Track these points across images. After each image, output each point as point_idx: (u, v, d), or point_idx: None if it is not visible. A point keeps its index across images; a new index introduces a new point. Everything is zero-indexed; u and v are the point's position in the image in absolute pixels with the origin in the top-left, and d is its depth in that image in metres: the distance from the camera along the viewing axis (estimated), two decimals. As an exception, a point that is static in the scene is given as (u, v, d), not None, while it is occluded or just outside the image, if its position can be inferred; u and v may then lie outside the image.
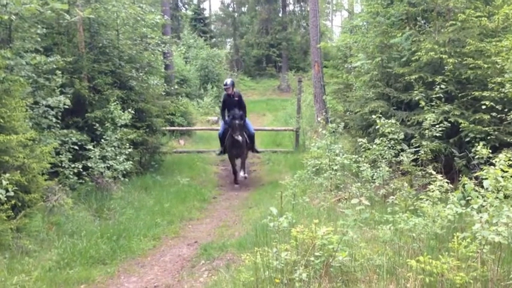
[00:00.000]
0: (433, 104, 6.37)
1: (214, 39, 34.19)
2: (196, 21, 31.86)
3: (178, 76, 19.20)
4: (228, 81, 10.37)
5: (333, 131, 7.79)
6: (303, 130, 13.37)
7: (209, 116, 19.19)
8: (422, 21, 7.49)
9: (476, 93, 6.14)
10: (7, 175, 4.54)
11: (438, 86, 6.33)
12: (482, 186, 3.44)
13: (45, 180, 5.67)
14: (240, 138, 9.47)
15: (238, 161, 10.32)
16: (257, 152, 11.23)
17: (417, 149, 6.13)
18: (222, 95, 11.14)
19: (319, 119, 11.73)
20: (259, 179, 10.53)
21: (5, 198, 4.46)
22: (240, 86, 25.52)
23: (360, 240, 3.80)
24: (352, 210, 3.99)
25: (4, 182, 4.43)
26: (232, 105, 9.95)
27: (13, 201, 4.69)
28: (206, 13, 36.07)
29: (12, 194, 4.51)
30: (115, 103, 8.05)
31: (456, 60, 6.47)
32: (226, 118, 9.91)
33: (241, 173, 10.19)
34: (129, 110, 8.25)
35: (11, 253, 4.71)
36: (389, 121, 6.34)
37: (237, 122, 9.57)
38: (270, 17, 31.34)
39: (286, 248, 3.54)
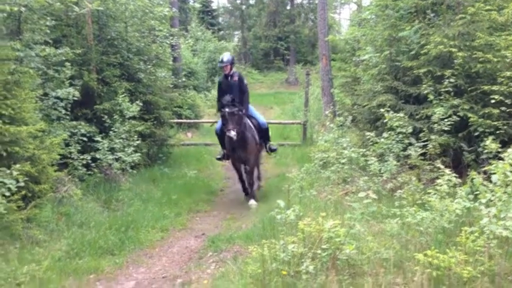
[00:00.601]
0: (441, 98, 6.32)
1: (222, 31, 34.23)
2: (204, 14, 31.87)
3: (186, 69, 19.24)
4: (225, 56, 7.51)
5: (341, 125, 7.78)
6: (311, 123, 13.35)
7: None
8: (432, 15, 7.43)
9: (486, 87, 6.09)
10: (17, 166, 4.60)
11: (447, 80, 6.29)
12: (491, 181, 3.44)
13: (55, 171, 5.73)
14: (233, 134, 6.73)
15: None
16: (272, 150, 8.36)
17: (425, 143, 6.10)
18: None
19: (326, 112, 11.70)
20: (265, 172, 10.55)
21: (16, 189, 4.51)
22: (247, 79, 25.45)
23: (367, 234, 3.81)
24: (360, 204, 4.00)
25: (14, 173, 4.49)
26: (230, 90, 7.29)
27: (23, 192, 4.74)
28: (214, 5, 36.00)
29: (22, 184, 4.57)
30: (123, 95, 8.09)
31: (465, 54, 6.41)
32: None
33: (251, 201, 7.43)
34: (137, 102, 8.29)
35: (21, 243, 4.77)
36: (398, 115, 6.31)
37: (227, 110, 6.79)
38: (277, 10, 31.20)
39: (293, 240, 3.56)
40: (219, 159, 8.33)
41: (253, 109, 8.05)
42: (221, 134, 7.55)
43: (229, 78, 7.47)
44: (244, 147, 7.22)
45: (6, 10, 5.65)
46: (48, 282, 4.12)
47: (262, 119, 8.09)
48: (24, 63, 6.05)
